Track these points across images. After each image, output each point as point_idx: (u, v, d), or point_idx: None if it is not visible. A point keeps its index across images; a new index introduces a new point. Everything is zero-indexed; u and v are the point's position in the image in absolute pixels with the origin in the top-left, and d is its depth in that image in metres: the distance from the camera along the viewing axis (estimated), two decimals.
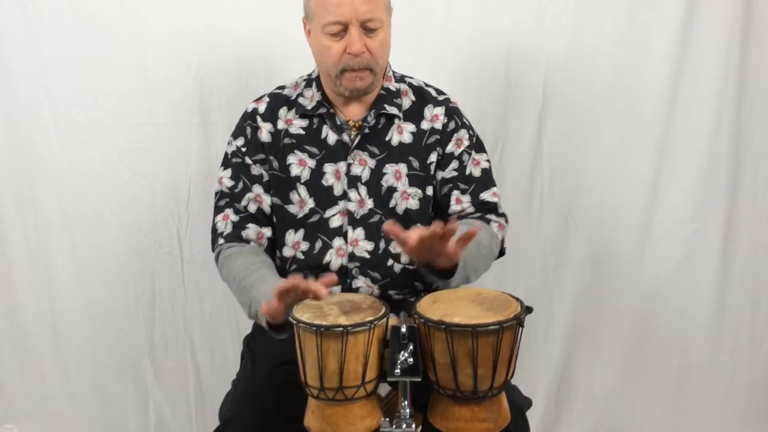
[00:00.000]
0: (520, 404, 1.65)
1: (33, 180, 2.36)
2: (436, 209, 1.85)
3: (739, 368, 2.50)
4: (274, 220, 1.82)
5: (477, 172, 1.83)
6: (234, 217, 1.80)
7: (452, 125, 1.83)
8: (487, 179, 1.85)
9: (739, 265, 2.45)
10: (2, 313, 2.45)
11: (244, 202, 1.80)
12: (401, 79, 1.87)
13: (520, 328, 1.39)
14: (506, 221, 1.86)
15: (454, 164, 1.81)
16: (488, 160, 1.87)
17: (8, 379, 2.49)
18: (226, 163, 1.85)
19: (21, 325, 2.45)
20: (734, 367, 2.50)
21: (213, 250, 1.83)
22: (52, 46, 2.29)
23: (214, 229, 1.82)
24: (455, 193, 1.81)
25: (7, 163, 2.35)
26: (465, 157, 1.82)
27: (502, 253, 1.87)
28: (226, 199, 1.82)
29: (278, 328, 1.56)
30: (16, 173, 2.36)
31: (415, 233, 1.46)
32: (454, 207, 1.81)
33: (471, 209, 1.81)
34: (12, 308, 2.44)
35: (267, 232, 1.81)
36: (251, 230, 1.79)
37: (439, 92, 1.88)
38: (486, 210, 1.82)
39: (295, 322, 1.41)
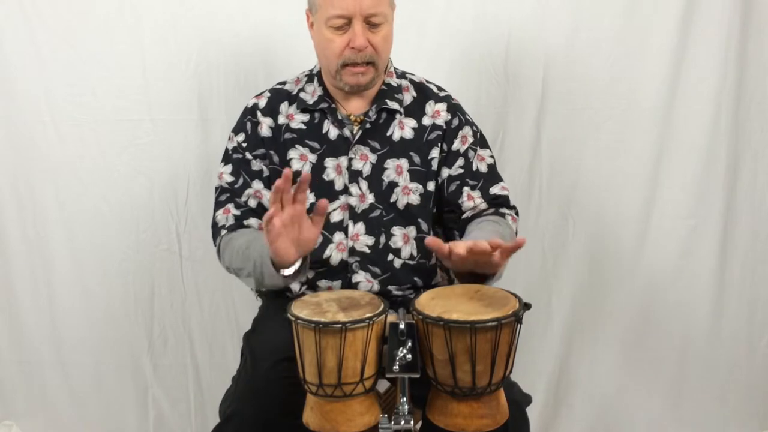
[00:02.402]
0: (519, 401, 1.66)
1: (31, 176, 2.36)
2: (438, 205, 1.85)
3: (738, 363, 2.50)
4: None
5: (483, 168, 1.84)
6: (235, 211, 1.80)
7: (456, 122, 1.83)
8: (493, 174, 1.86)
9: (738, 261, 2.45)
10: (1, 310, 2.45)
11: (244, 198, 1.81)
12: (402, 75, 1.88)
13: (519, 325, 1.40)
14: (517, 214, 1.87)
15: (461, 161, 1.82)
16: (492, 156, 1.88)
17: (7, 376, 2.49)
18: (226, 158, 1.85)
19: (20, 321, 2.45)
20: (732, 362, 2.50)
21: (215, 244, 1.83)
22: (50, 42, 2.28)
23: (214, 224, 1.82)
24: (465, 189, 1.81)
25: (6, 159, 2.35)
26: (470, 153, 1.83)
27: None
28: (227, 195, 1.82)
29: (287, 276, 1.56)
30: (15, 170, 2.36)
31: (462, 247, 1.47)
32: (467, 203, 1.81)
33: (484, 205, 1.81)
34: (11, 304, 2.44)
35: None
36: (252, 222, 1.80)
37: (440, 89, 1.89)
38: (498, 204, 1.83)
39: (293, 318, 1.41)
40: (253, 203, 1.81)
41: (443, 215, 1.86)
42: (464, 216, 1.81)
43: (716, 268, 2.44)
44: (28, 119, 2.33)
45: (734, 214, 2.42)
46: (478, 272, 1.56)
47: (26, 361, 2.47)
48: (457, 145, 1.82)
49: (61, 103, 2.31)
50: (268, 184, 1.81)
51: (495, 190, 1.83)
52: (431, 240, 1.52)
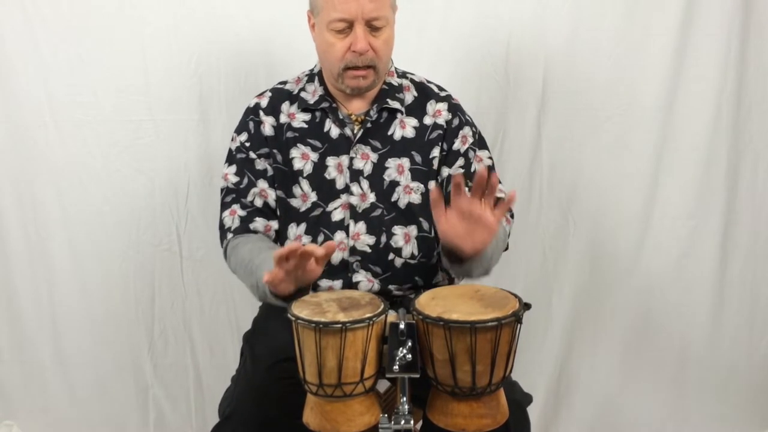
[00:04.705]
0: (520, 400, 1.66)
1: (32, 176, 2.36)
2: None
3: (738, 364, 2.50)
4: (279, 213, 1.82)
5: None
6: (241, 212, 1.80)
7: (456, 122, 1.83)
8: None
9: (738, 262, 2.45)
10: (2, 310, 2.45)
11: (249, 197, 1.81)
12: (403, 75, 1.88)
13: (519, 325, 1.40)
14: (512, 216, 1.86)
15: (461, 161, 1.82)
16: (490, 157, 1.88)
17: (8, 376, 2.49)
18: (230, 159, 1.85)
19: (20, 321, 2.45)
20: (733, 362, 2.50)
21: (222, 246, 1.83)
22: (51, 42, 2.28)
23: (221, 225, 1.82)
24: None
25: (7, 159, 2.35)
26: (470, 153, 1.83)
27: (506, 248, 1.87)
28: (233, 195, 1.82)
29: (286, 298, 1.56)
30: (16, 170, 2.36)
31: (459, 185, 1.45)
32: None
33: None
34: (11, 304, 2.44)
35: (274, 224, 1.81)
36: (259, 223, 1.80)
37: (441, 88, 1.89)
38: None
39: (293, 318, 1.41)
40: (258, 202, 1.81)
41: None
42: None
43: (717, 269, 2.44)
44: (28, 119, 2.33)
45: (735, 215, 2.42)
46: (464, 249, 1.54)
47: (27, 361, 2.47)
48: (457, 144, 1.82)
49: (62, 103, 2.32)
50: (272, 183, 1.81)
51: None
52: (436, 191, 1.49)
